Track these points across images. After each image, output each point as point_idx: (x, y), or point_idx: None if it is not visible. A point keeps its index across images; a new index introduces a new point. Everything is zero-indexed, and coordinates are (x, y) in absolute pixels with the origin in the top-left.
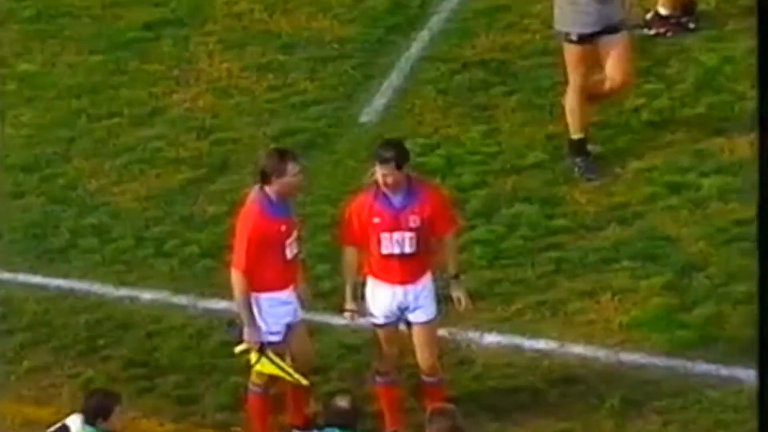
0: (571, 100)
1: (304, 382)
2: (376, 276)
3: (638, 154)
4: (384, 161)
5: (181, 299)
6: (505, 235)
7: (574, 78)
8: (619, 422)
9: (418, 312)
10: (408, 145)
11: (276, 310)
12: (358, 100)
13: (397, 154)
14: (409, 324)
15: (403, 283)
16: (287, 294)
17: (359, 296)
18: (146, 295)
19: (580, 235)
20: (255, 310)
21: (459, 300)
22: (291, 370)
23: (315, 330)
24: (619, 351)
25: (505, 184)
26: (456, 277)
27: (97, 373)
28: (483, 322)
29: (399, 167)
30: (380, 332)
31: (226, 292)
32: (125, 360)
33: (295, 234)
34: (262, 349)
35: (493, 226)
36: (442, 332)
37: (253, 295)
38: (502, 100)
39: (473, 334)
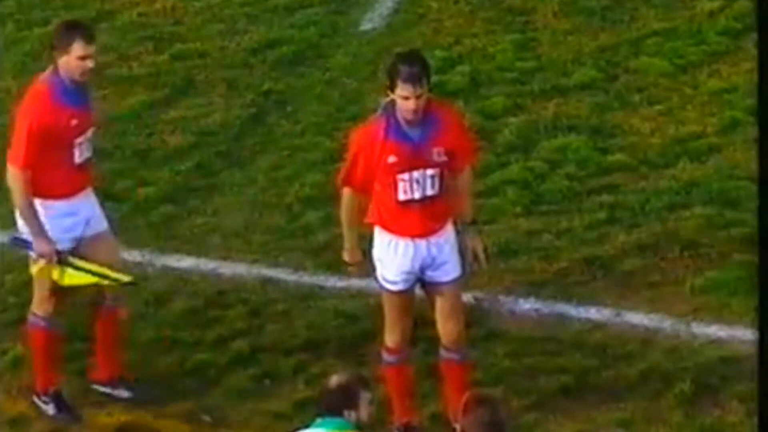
0: None
1: (126, 278)
2: (389, 228)
3: (714, 71)
4: (412, 79)
5: (134, 255)
6: (546, 175)
7: None
8: (690, 411)
9: (441, 270)
10: None
11: (58, 222)
12: (358, 3)
13: (427, 69)
14: (426, 286)
15: (425, 234)
16: (72, 204)
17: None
18: None
19: (640, 174)
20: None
21: (475, 253)
22: (106, 270)
23: (305, 294)
24: (691, 321)
25: (546, 110)
26: (474, 222)
27: (27, 349)
28: (517, 285)
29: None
30: (393, 299)
31: (191, 247)
32: (64, 332)
33: (89, 133)
34: (61, 258)
35: (531, 163)
36: (465, 297)
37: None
38: (541, 1)
39: (505, 300)
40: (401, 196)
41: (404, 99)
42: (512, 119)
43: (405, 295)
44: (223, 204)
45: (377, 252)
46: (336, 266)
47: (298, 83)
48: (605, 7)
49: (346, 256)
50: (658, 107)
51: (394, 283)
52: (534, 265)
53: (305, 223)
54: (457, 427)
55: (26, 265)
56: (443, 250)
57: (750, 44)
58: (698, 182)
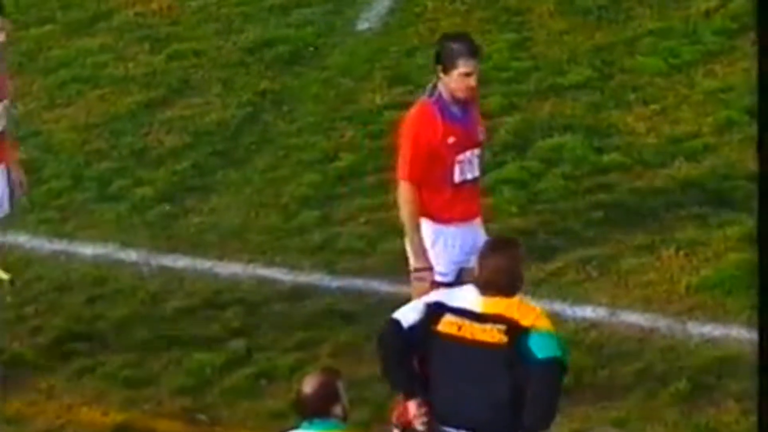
0: None
1: (5, 275)
2: (439, 218)
3: (709, 70)
4: (475, 54)
5: (131, 255)
6: (542, 174)
7: None
8: (686, 410)
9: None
10: (418, 59)
11: None
12: (354, 2)
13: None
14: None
15: (473, 216)
16: None
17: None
18: (87, 250)
19: (636, 173)
20: None
21: None
22: None
23: (301, 294)
24: (687, 320)
25: (541, 109)
26: None
27: (24, 348)
28: None
29: None
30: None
31: (187, 246)
32: (61, 332)
33: (4, 105)
34: None
35: (527, 162)
36: None
37: None
38: (537, 1)
39: None
40: (457, 178)
41: (466, 76)
42: (508, 119)
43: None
44: (220, 203)
45: (428, 242)
46: (332, 266)
47: (295, 83)
48: (600, 7)
49: (418, 262)
50: (653, 107)
51: (445, 275)
52: (530, 265)
53: (302, 222)
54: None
55: (25, 264)
56: (479, 234)
57: (746, 44)
58: (694, 182)
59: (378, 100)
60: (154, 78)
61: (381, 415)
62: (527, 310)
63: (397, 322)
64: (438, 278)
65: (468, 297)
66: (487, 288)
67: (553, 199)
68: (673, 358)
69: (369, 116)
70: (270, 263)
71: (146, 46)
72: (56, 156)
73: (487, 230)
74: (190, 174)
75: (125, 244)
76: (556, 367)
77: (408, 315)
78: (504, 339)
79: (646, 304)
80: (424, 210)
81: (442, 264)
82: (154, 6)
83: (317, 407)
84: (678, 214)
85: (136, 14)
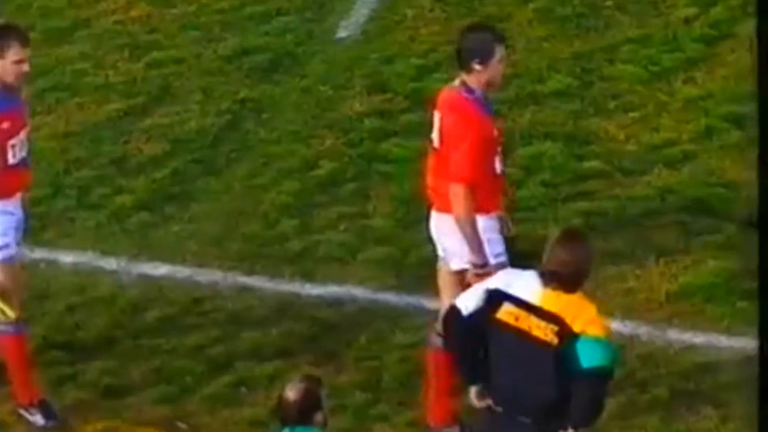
0: None
1: (12, 314)
2: (488, 207)
3: (689, 78)
4: (503, 39)
5: (111, 263)
6: (522, 181)
7: None
8: (666, 417)
9: None
10: (398, 67)
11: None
12: (333, 11)
13: None
14: None
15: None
16: (7, 204)
17: None
18: (67, 258)
19: (616, 180)
20: None
21: None
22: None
23: (281, 302)
24: (666, 328)
25: (521, 117)
26: None
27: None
28: None
29: None
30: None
31: (167, 255)
32: (40, 340)
33: (23, 135)
34: None
35: (507, 170)
36: (434, 305)
37: None
38: (517, 9)
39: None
40: (498, 169)
41: (500, 63)
42: None
43: None
44: (199, 212)
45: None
46: (312, 274)
47: (274, 91)
48: (580, 15)
49: (479, 258)
50: (633, 114)
51: (498, 255)
52: None
53: (281, 230)
54: None
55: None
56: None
57: (725, 51)
58: (673, 189)
59: (358, 107)
60: (134, 86)
61: (360, 423)
62: (583, 311)
63: (457, 310)
64: (500, 260)
65: (529, 286)
66: (549, 279)
67: (533, 207)
68: (652, 365)
69: (349, 124)
70: (250, 271)
71: (126, 54)
72: (36, 164)
73: None
74: (169, 182)
75: (105, 253)
76: (598, 376)
77: (469, 302)
78: (555, 340)
79: (626, 312)
80: (480, 200)
81: (498, 247)
82: (134, 14)
83: (299, 415)
84: (658, 222)
85: (116, 22)
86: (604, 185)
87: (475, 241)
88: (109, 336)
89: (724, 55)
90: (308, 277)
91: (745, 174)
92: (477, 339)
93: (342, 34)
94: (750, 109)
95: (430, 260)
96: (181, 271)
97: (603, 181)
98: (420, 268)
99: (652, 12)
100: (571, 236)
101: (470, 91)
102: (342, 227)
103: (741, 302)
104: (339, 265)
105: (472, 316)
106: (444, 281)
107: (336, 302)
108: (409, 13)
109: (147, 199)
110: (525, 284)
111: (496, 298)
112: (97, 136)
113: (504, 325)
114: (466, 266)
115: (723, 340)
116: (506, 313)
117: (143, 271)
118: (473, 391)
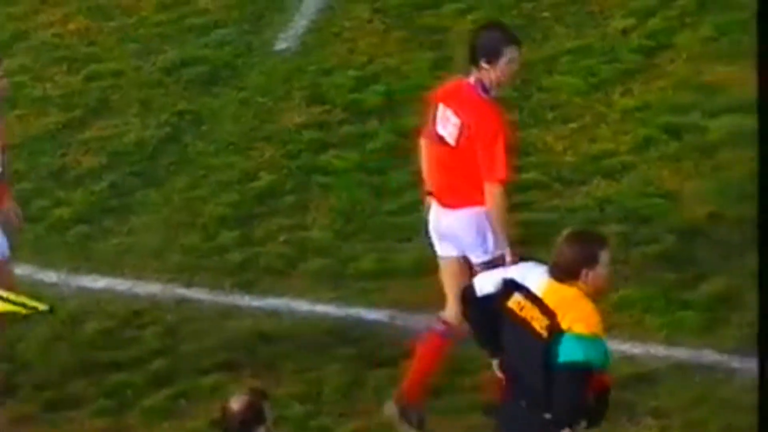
0: None
1: (43, 306)
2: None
3: (627, 89)
4: (516, 41)
5: (50, 276)
6: None
7: None
8: (606, 427)
9: None
10: (336, 78)
11: None
12: (272, 22)
13: None
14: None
15: None
16: None
17: None
18: None
19: (555, 191)
20: None
21: None
22: (24, 299)
23: (221, 314)
24: (606, 338)
25: None
26: None
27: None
28: (429, 303)
29: None
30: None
31: (106, 267)
32: None
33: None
34: None
35: None
36: (381, 315)
37: None
38: (455, 20)
39: (417, 318)
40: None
41: (508, 64)
42: None
43: None
44: (138, 224)
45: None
46: (252, 286)
47: (213, 103)
48: (518, 26)
49: (505, 252)
50: (571, 125)
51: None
52: None
53: (221, 242)
54: None
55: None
56: None
57: (663, 61)
58: (612, 200)
59: (296, 119)
60: (72, 99)
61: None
62: (574, 308)
63: (472, 290)
64: (503, 251)
65: (538, 277)
66: (551, 270)
67: None
68: None
69: (287, 136)
70: (189, 283)
71: (64, 66)
72: None
73: (409, 248)
74: (108, 195)
75: (44, 265)
76: (570, 370)
77: (485, 284)
78: (545, 334)
79: None
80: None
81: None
82: (72, 27)
83: (243, 427)
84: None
85: (54, 35)
86: (543, 196)
87: (504, 235)
88: (49, 349)
89: (663, 66)
90: (248, 288)
91: (684, 184)
92: (491, 317)
93: (281, 46)
94: (689, 119)
95: (369, 272)
96: (121, 284)
97: (542, 192)
98: (359, 280)
99: (590, 23)
100: (575, 234)
101: (486, 90)
102: (281, 239)
103: (679, 312)
104: (279, 276)
105: (486, 298)
106: (451, 274)
107: (275, 314)
108: (348, 24)
109: (86, 212)
110: (536, 277)
111: (509, 286)
112: (35, 149)
113: (511, 313)
114: (489, 258)
115: (661, 351)
116: (515, 302)
117: (82, 283)
118: (495, 363)
